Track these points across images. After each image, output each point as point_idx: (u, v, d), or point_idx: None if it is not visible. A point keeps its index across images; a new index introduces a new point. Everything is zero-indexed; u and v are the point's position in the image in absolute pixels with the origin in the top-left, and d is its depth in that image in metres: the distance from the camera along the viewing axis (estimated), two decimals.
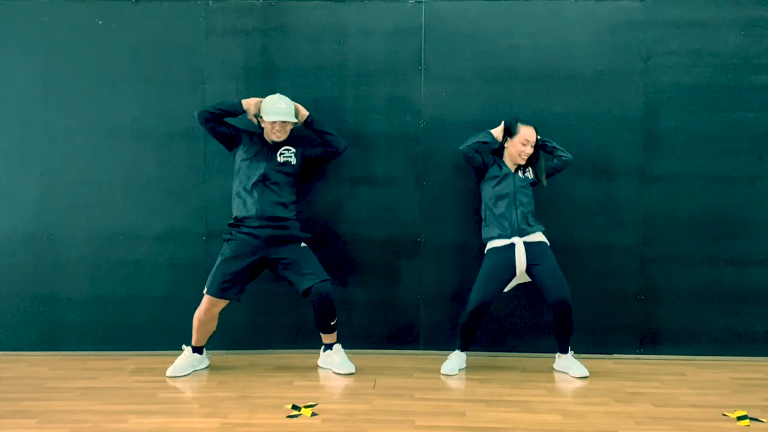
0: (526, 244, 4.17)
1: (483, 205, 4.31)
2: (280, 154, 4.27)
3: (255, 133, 4.34)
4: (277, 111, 4.20)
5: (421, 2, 4.53)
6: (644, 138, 4.51)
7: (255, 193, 4.19)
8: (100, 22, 4.54)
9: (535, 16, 4.50)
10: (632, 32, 4.49)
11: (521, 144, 4.20)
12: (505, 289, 4.24)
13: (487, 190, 4.28)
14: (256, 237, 4.17)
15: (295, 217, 4.27)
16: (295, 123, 4.29)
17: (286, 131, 4.25)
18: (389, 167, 4.59)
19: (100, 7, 4.53)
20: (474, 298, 4.15)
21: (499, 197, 4.21)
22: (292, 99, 4.45)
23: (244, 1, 4.54)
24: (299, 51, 4.55)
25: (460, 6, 4.52)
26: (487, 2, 4.52)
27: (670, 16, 4.48)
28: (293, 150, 4.30)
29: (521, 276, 4.22)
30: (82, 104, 4.55)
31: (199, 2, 4.54)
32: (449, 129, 4.54)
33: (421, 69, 4.54)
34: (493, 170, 4.27)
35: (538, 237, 4.22)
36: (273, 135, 4.23)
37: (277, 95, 4.27)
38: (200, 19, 4.54)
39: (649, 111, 4.50)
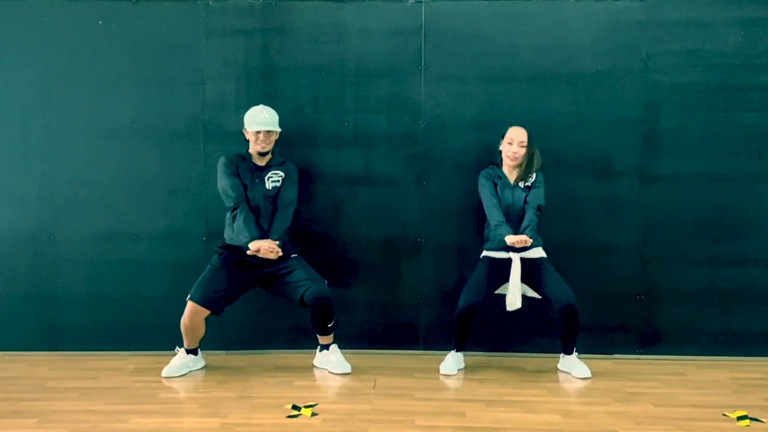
0: (523, 260, 4.17)
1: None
2: (269, 178, 4.23)
3: (241, 156, 4.24)
4: (260, 121, 4.16)
5: (421, 2, 4.53)
6: (644, 138, 4.51)
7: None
8: (100, 22, 4.54)
9: (535, 16, 4.50)
10: (632, 32, 4.49)
11: (507, 143, 4.21)
12: (514, 305, 4.19)
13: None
14: (247, 258, 4.15)
15: (285, 236, 4.22)
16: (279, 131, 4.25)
17: (270, 141, 4.20)
18: (389, 167, 4.58)
19: (100, 7, 4.53)
20: (463, 298, 4.14)
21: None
22: (292, 99, 4.46)
23: (244, 1, 4.54)
24: (299, 51, 4.55)
25: (460, 6, 4.52)
26: (487, 2, 4.52)
27: (670, 16, 4.48)
28: (281, 173, 4.26)
29: (526, 290, 4.23)
30: (82, 104, 4.55)
31: (199, 2, 4.53)
32: (449, 129, 4.54)
33: (421, 69, 4.54)
34: (495, 179, 4.28)
35: (537, 253, 4.21)
36: (257, 145, 4.18)
37: (261, 106, 4.25)
38: (200, 19, 4.54)
39: (649, 111, 4.50)
